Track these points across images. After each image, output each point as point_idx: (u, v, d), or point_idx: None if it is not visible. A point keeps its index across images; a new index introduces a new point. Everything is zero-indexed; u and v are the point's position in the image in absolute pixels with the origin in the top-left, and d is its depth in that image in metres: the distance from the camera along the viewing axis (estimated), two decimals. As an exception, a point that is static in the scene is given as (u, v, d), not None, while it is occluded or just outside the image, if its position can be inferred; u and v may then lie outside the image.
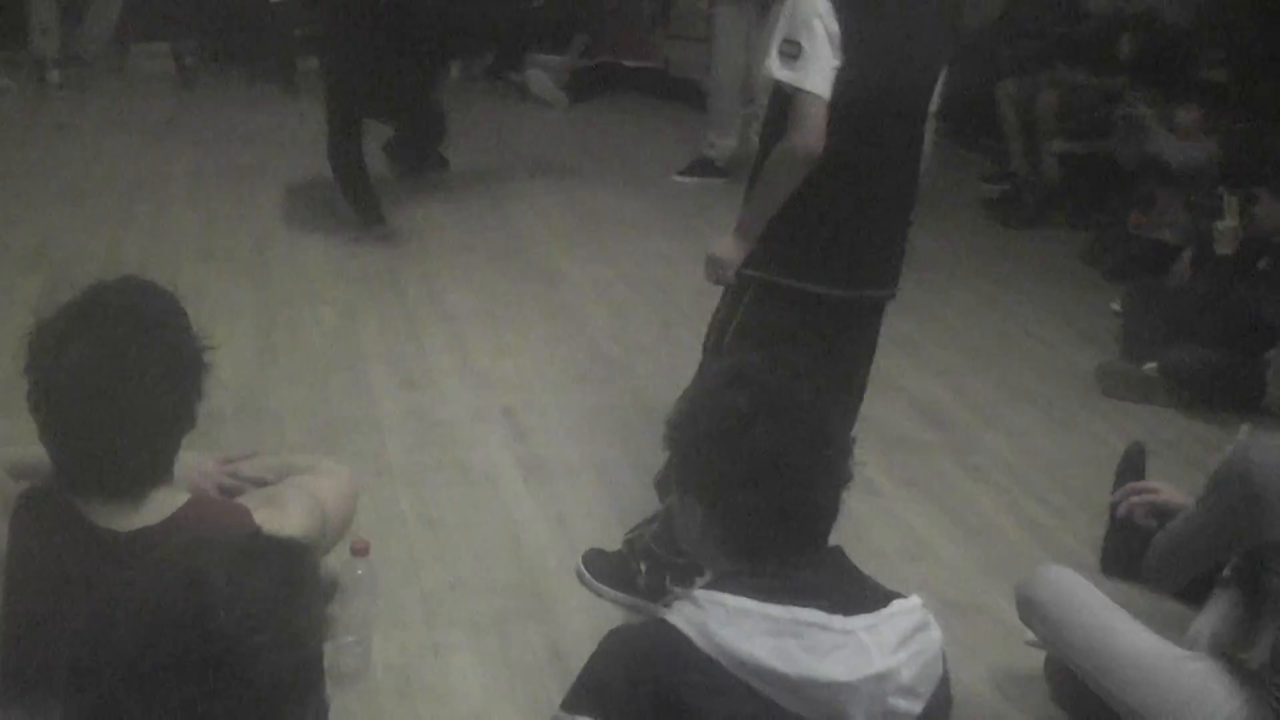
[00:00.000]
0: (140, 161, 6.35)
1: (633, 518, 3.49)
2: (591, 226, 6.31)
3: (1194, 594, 2.97)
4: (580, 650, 2.03)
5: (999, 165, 7.91)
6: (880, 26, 2.92)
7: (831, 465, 1.87)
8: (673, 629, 1.77)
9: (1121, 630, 2.74)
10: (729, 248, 3.17)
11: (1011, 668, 3.20)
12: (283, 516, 2.06)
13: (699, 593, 1.81)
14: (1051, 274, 6.41)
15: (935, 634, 1.86)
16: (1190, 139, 6.26)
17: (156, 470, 1.98)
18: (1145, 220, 6.37)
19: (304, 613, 1.36)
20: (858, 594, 1.84)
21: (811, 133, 2.90)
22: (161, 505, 1.96)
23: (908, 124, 3.08)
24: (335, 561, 2.68)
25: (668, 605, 1.84)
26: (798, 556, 1.84)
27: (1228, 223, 5.13)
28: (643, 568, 3.27)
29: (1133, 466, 3.69)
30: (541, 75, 8.86)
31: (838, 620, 1.77)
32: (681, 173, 7.22)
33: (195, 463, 2.37)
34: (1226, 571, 2.83)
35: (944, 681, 1.88)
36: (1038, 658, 3.10)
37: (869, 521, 3.83)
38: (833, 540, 1.91)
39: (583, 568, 3.41)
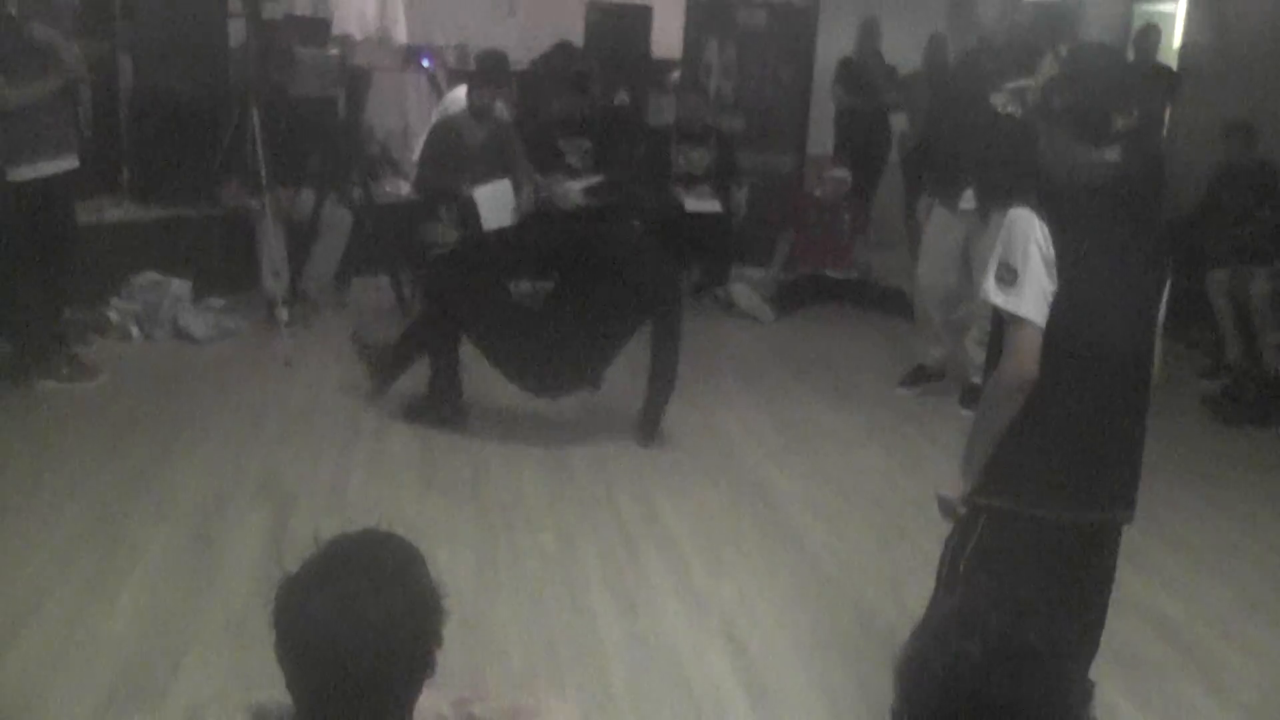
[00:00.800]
0: (361, 394, 6.57)
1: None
2: (802, 440, 6.31)
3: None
4: None
5: (1216, 359, 7.70)
6: (1097, 249, 2.91)
7: (1069, 714, 1.80)
8: None
9: None
10: (956, 484, 3.13)
11: None
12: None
13: None
14: (1281, 473, 6.18)
15: None
16: None
17: (397, 718, 2.00)
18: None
19: None
20: None
21: (1026, 360, 2.90)
22: None
23: (1132, 343, 3.03)
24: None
25: None
26: None
27: None
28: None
29: None
30: (746, 289, 8.98)
31: None
32: (902, 383, 7.17)
33: (432, 705, 2.38)
34: None
35: None
36: None
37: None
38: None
39: None
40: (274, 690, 2.05)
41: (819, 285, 9.22)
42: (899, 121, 10.85)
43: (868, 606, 4.51)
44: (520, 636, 4.16)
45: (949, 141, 6.85)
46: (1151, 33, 9.73)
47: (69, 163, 6.33)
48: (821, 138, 10.82)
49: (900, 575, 4.71)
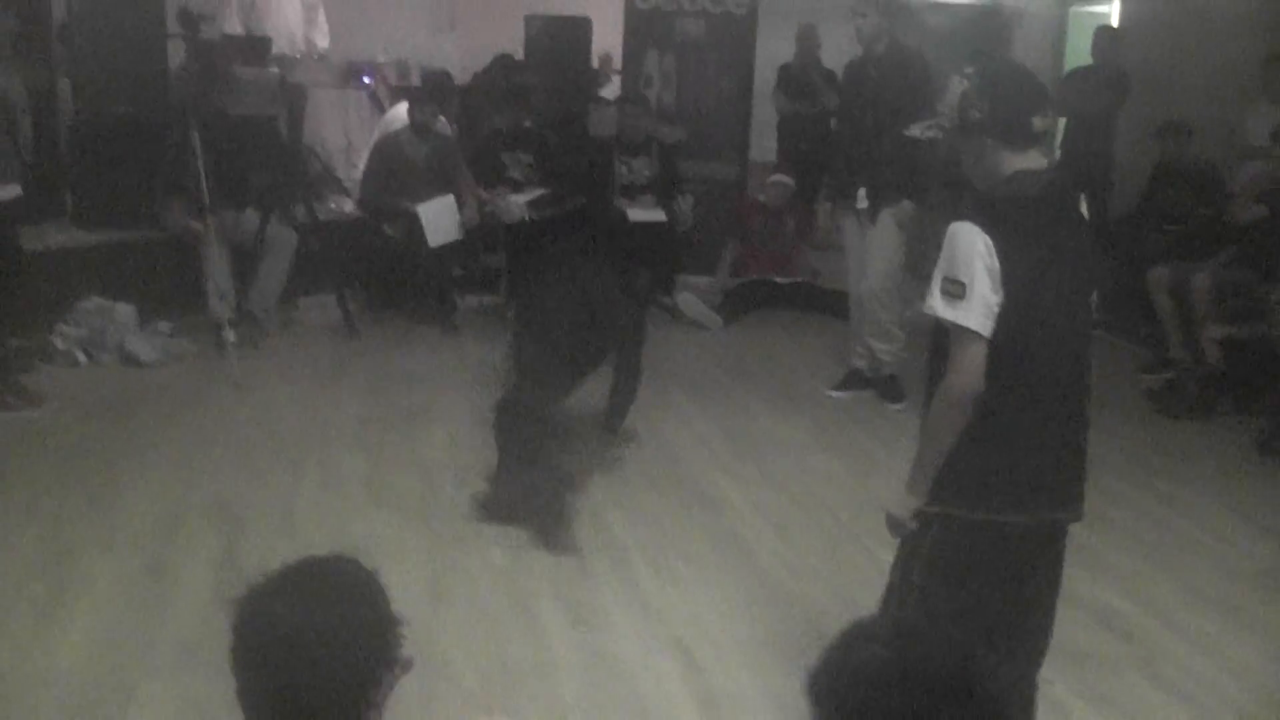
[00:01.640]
0: (310, 411, 6.59)
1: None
2: (750, 447, 6.36)
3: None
4: None
5: (1157, 354, 7.80)
6: (1038, 259, 2.95)
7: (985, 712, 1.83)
8: None
9: None
10: (904, 504, 3.16)
11: None
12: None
13: None
14: (1225, 465, 6.28)
15: None
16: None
17: None
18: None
19: None
20: None
21: (971, 373, 2.95)
22: None
23: (1075, 346, 3.09)
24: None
25: None
26: None
27: None
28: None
29: None
30: (692, 297, 9.04)
31: None
32: (835, 387, 7.27)
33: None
34: None
35: None
36: None
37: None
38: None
39: None
40: (229, 717, 2.07)
41: (764, 291, 9.29)
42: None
43: (818, 613, 4.54)
44: (471, 653, 4.17)
45: (846, 145, 7.15)
46: (1109, 33, 9.81)
47: (10, 192, 6.30)
48: (764, 144, 10.88)
49: (850, 581, 4.75)
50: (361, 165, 9.40)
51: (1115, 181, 9.27)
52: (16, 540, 4.89)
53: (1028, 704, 3.00)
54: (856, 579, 4.69)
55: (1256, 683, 4.13)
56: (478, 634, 4.33)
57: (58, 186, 8.31)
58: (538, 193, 8.83)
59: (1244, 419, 6.92)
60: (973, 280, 2.90)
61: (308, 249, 8.20)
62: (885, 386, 7.12)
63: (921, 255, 6.74)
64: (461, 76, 10.46)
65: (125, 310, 7.50)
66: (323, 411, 6.65)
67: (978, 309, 2.91)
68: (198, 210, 7.50)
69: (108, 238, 7.96)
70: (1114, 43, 9.65)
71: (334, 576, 2.08)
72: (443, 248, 8.44)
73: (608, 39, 10.61)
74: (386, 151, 8.70)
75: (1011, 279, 2.91)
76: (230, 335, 7.36)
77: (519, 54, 10.49)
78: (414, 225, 8.34)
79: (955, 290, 2.92)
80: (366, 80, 10.33)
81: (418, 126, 8.56)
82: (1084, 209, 3.19)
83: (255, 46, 8.97)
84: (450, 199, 8.51)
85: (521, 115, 9.21)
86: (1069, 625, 4.25)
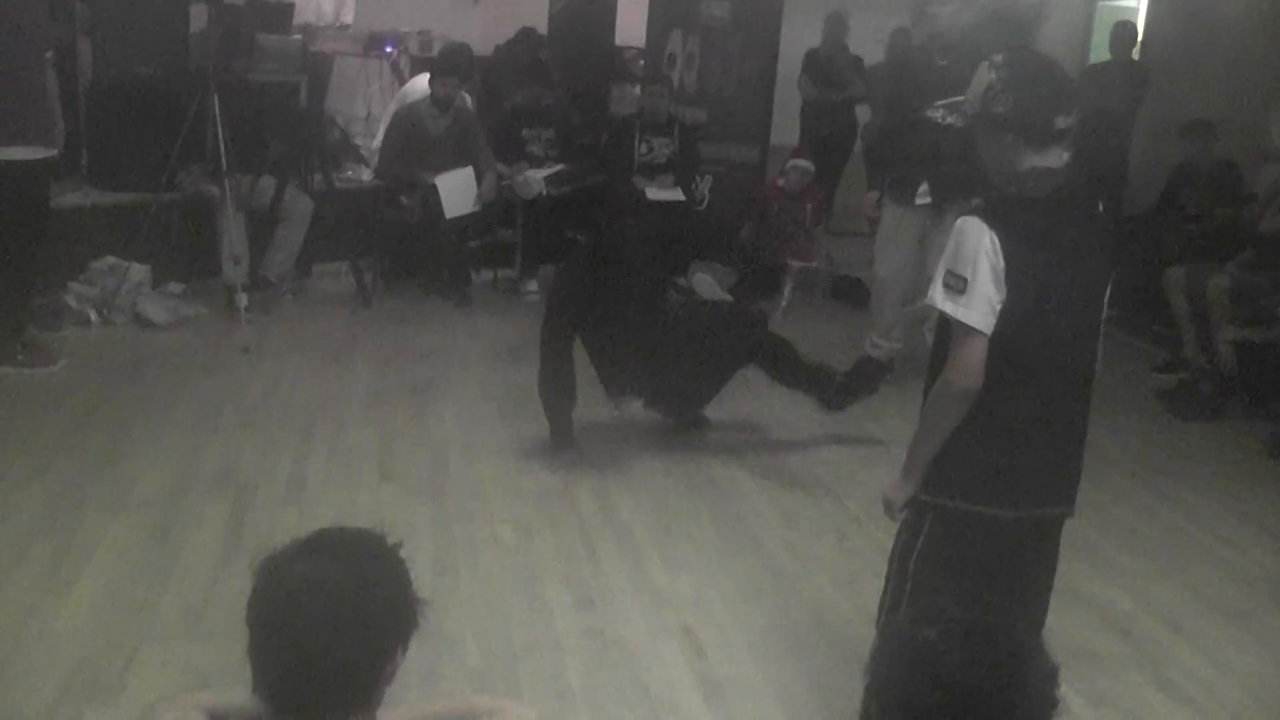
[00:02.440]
0: (321, 382, 6.58)
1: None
2: (759, 434, 6.34)
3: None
4: None
5: (1171, 355, 7.77)
6: (1045, 259, 2.94)
7: (1032, 692, 1.83)
8: None
9: None
10: (900, 488, 3.19)
11: None
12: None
13: None
14: (1235, 469, 6.25)
15: None
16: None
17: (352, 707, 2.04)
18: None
19: None
20: None
21: (971, 369, 2.95)
22: None
23: (1078, 346, 3.08)
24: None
25: None
26: None
27: None
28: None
29: None
30: (708, 279, 8.98)
31: None
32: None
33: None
34: None
35: None
36: None
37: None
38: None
39: None
40: (230, 685, 2.07)
41: (779, 274, 9.25)
42: (864, 113, 10.89)
43: (823, 601, 4.54)
44: (477, 631, 4.17)
45: (903, 137, 6.90)
46: (1127, 29, 9.76)
47: (37, 152, 6.27)
48: (785, 128, 10.83)
49: (855, 571, 4.74)
50: (380, 135, 9.37)
51: (1129, 178, 9.22)
52: (23, 499, 4.89)
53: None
54: (861, 569, 4.68)
55: (1258, 687, 4.12)
56: (483, 612, 4.32)
57: (75, 146, 8.27)
58: (556, 168, 8.81)
59: (1255, 423, 6.89)
60: (975, 276, 2.90)
61: (324, 217, 8.18)
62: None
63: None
64: (484, 49, 10.42)
65: (139, 271, 7.50)
66: (333, 382, 6.65)
67: (979, 305, 2.91)
68: (215, 174, 7.49)
69: (123, 198, 7.93)
70: (1132, 38, 9.58)
71: (366, 546, 2.08)
72: (459, 221, 8.41)
73: (633, 15, 10.54)
74: (405, 122, 8.67)
75: (1015, 277, 2.90)
76: (243, 300, 7.36)
77: (542, 28, 10.44)
78: (431, 197, 8.32)
79: (957, 285, 2.93)
80: (389, 49, 10.31)
81: (437, 98, 8.52)
82: (1101, 208, 3.18)
83: (278, 12, 8.95)
84: (468, 171, 8.48)
85: (543, 90, 9.19)
86: (1070, 622, 4.28)
